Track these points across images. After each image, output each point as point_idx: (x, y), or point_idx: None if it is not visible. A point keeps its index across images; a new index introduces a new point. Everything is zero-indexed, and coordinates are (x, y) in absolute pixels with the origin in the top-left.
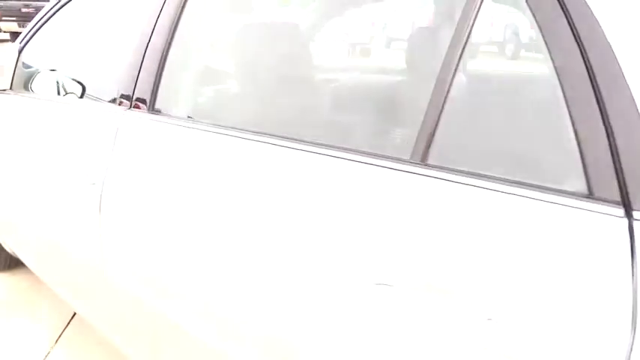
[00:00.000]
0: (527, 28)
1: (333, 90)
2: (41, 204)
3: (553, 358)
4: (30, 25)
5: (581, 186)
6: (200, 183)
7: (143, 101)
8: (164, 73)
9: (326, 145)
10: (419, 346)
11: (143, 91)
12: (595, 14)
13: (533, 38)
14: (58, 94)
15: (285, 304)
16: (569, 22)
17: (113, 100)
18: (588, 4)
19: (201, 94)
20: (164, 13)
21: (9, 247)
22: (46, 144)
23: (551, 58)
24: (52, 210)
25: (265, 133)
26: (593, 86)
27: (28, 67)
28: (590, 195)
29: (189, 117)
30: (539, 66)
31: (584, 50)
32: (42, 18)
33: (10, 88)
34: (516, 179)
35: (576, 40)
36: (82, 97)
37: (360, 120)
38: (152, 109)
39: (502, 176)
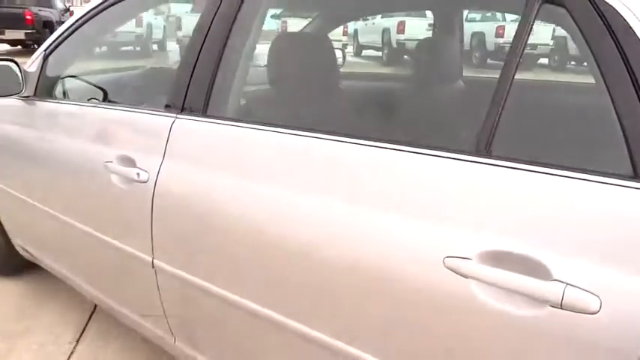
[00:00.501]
0: (575, 40)
1: (396, 94)
2: (82, 203)
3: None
4: (57, 32)
5: (627, 169)
6: (252, 178)
7: (196, 105)
8: (217, 79)
9: (407, 144)
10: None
11: (196, 95)
12: (635, 30)
13: (582, 49)
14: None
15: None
16: (611, 35)
17: (164, 105)
18: (631, 24)
19: (253, 96)
20: (218, 18)
21: (23, 249)
22: (87, 147)
23: (597, 64)
24: (96, 207)
25: (343, 134)
26: (635, 87)
27: (54, 73)
28: (635, 176)
29: (241, 119)
30: (588, 70)
31: (626, 57)
32: (71, 26)
33: (34, 95)
34: (571, 165)
35: (618, 49)
36: (104, 101)
37: (433, 119)
38: (205, 112)
39: (556, 163)
